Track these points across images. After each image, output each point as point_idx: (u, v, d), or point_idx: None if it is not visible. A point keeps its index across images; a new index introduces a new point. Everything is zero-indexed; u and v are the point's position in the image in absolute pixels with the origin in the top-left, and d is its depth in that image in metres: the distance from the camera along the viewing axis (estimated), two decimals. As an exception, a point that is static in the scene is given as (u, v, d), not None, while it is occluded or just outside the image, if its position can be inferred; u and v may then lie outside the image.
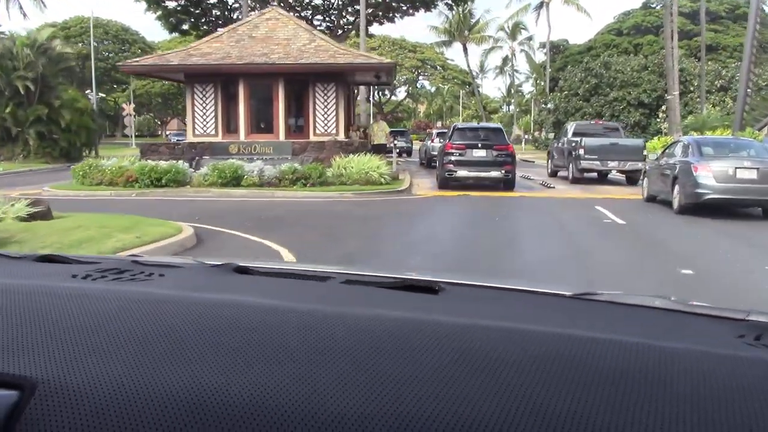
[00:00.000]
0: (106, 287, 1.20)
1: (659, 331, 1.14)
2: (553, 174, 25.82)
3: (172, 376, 0.78)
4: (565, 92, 54.31)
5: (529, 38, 69.90)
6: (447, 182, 19.63)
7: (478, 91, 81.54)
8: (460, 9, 60.30)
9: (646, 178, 17.56)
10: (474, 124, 24.46)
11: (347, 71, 22.87)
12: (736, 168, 13.75)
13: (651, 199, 16.88)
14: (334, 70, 22.62)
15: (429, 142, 32.75)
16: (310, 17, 44.56)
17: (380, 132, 25.09)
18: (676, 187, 14.58)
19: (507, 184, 19.64)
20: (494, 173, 19.42)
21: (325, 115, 23.54)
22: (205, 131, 23.45)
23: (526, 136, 70.25)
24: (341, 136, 23.52)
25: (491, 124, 23.76)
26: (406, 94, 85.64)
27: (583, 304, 1.35)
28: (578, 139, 22.83)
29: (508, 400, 0.73)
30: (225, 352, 0.84)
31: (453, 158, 19.33)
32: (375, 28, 50.05)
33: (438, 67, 78.11)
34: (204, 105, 23.43)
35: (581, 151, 22.28)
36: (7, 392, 0.75)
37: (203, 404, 0.73)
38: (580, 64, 56.33)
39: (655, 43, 63.83)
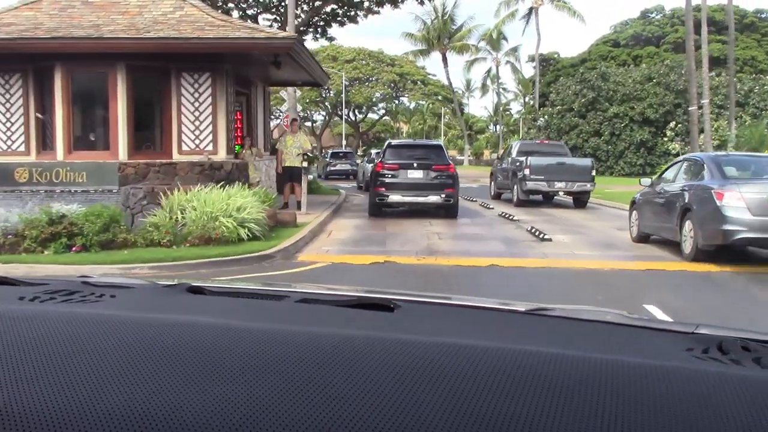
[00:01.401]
0: (56, 309, 1.14)
1: (611, 344, 1.13)
2: (497, 196, 23.50)
3: (121, 398, 0.75)
4: (558, 107, 45.65)
5: (515, 49, 61.27)
6: (378, 209, 16.78)
7: (461, 108, 72.98)
8: (439, 10, 51.98)
9: (634, 212, 13.01)
10: (410, 141, 20.88)
11: (224, 51, 14.10)
12: None
13: (643, 238, 12.55)
14: (203, 50, 13.87)
15: (367, 162, 27.62)
16: (256, 15, 35.89)
17: (293, 149, 16.22)
18: (687, 224, 10.54)
19: (448, 210, 16.66)
20: (432, 198, 16.41)
21: (197, 123, 14.76)
22: (10, 146, 14.59)
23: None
24: (222, 155, 14.75)
25: (430, 141, 20.45)
26: (384, 111, 76.92)
27: (536, 320, 1.32)
28: (523, 158, 20.67)
29: (458, 415, 0.72)
30: (176, 372, 0.81)
31: (386, 180, 16.35)
32: (336, 31, 41.52)
33: (418, 82, 69.48)
34: (7, 106, 14.60)
35: (527, 171, 20.20)
36: None
37: (151, 425, 0.71)
38: (573, 77, 47.77)
39: (656, 56, 55.43)
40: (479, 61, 59.98)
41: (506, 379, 0.80)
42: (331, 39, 40.38)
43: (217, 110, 14.78)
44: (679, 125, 42.62)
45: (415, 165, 16.45)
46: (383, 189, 16.32)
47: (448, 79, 57.64)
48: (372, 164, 22.94)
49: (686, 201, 10.53)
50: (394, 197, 16.33)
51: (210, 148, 14.82)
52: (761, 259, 10.50)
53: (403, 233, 13.25)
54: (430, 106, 75.47)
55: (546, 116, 46.55)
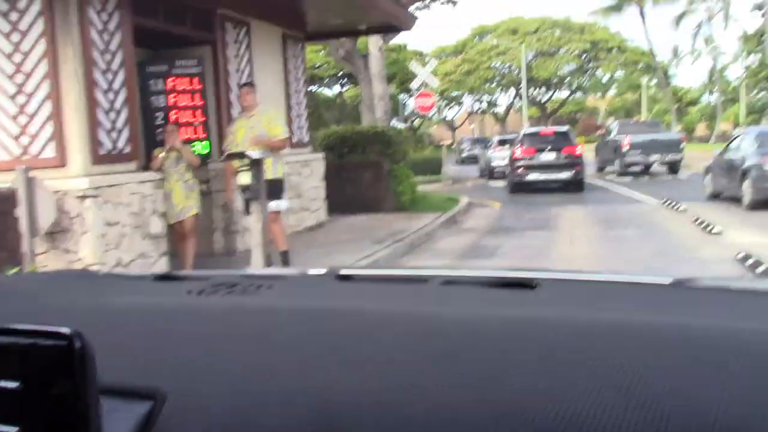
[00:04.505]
0: (221, 301, 1.19)
1: None
2: (600, 169, 25.72)
3: (288, 383, 0.78)
4: (802, 59, 32.88)
5: None
6: (518, 187, 18.36)
7: (666, 77, 60.01)
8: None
9: (708, 175, 14.84)
10: (542, 128, 23.65)
11: None
12: None
13: (715, 196, 14.21)
14: None
15: (490, 151, 26.76)
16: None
17: (248, 143, 7.21)
18: (745, 183, 12.26)
19: (577, 185, 18.13)
20: (563, 175, 18.12)
21: (21, 100, 6.51)
22: None
23: (737, 132, 48.13)
24: (76, 167, 6.42)
25: (559, 128, 21.27)
26: (575, 86, 65.33)
27: (685, 292, 1.24)
28: (623, 136, 23.58)
29: (610, 393, 0.68)
30: (335, 357, 0.82)
31: (523, 163, 18.30)
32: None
33: (613, 50, 57.45)
34: None
35: (626, 147, 22.99)
36: (142, 402, 0.77)
37: (316, 406, 0.73)
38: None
39: None
40: (689, 14, 47.14)
41: (661, 353, 0.76)
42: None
43: (58, 65, 6.43)
44: None
45: (547, 149, 18.24)
46: (521, 170, 18.18)
47: (648, 39, 45.74)
48: (496, 152, 25.72)
49: (743, 166, 12.34)
50: (531, 176, 18.11)
51: (50, 153, 6.50)
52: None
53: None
54: (629, 76, 62.86)
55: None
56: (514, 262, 8.43)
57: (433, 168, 24.75)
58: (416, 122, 61.90)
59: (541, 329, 0.85)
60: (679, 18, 45.99)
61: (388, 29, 13.28)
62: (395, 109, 64.82)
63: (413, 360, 0.79)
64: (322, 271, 1.55)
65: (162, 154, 7.33)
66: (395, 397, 0.72)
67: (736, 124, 55.24)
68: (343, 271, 1.46)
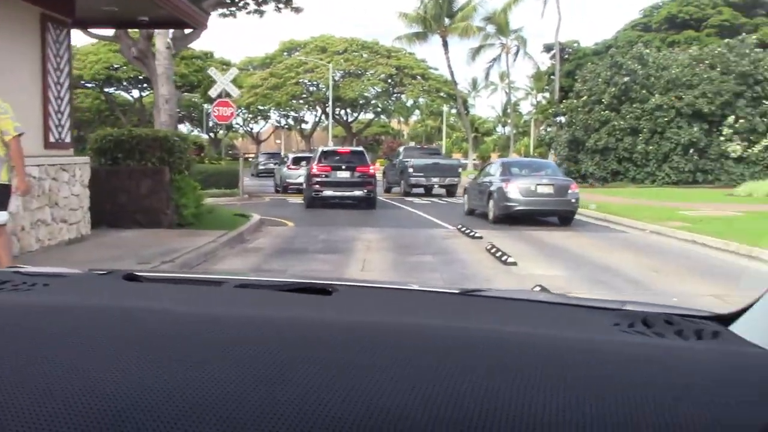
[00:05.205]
0: None
1: (543, 321, 1.15)
2: (387, 190, 26.93)
3: (50, 383, 0.74)
4: (584, 98, 35.22)
5: (516, 31, 50.15)
6: (314, 201, 19.04)
7: (466, 107, 62.56)
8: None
9: (466, 196, 17.90)
10: (339, 147, 24.54)
11: None
12: (537, 184, 14.83)
13: (470, 212, 17.10)
14: None
15: (285, 168, 27.61)
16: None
17: None
18: (491, 202, 15.26)
19: (369, 202, 19.15)
20: (357, 192, 19.04)
21: None
22: None
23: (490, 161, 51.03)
24: None
25: (354, 148, 23.89)
26: (380, 109, 66.43)
27: (472, 300, 1.33)
28: (408, 159, 25.43)
29: (400, 392, 0.71)
30: (107, 356, 0.79)
31: (319, 179, 18.91)
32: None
33: (417, 77, 59.04)
34: None
35: (411, 170, 24.83)
36: None
37: (80, 404, 0.70)
38: (601, 64, 37.15)
39: (696, 41, 44.90)
40: (486, 49, 49.44)
41: (441, 353, 0.79)
42: (297, 9, 29.99)
43: None
44: (741, 120, 32.20)
45: (343, 167, 19.13)
46: (318, 186, 18.87)
47: (450, 68, 47.29)
48: (290, 169, 26.59)
49: (490, 188, 15.37)
50: (327, 192, 18.92)
51: None
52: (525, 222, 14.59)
53: None
54: (431, 103, 64.93)
55: (569, 110, 36.10)
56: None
57: (228, 181, 23.38)
58: (220, 133, 59.97)
59: (327, 332, 0.85)
60: (476, 51, 47.92)
61: (177, 24, 11.95)
62: (200, 118, 62.28)
63: (203, 359, 0.77)
64: (108, 270, 1.46)
65: None
66: (191, 394, 0.70)
67: (527, 155, 58.84)
68: (132, 271, 1.39)
